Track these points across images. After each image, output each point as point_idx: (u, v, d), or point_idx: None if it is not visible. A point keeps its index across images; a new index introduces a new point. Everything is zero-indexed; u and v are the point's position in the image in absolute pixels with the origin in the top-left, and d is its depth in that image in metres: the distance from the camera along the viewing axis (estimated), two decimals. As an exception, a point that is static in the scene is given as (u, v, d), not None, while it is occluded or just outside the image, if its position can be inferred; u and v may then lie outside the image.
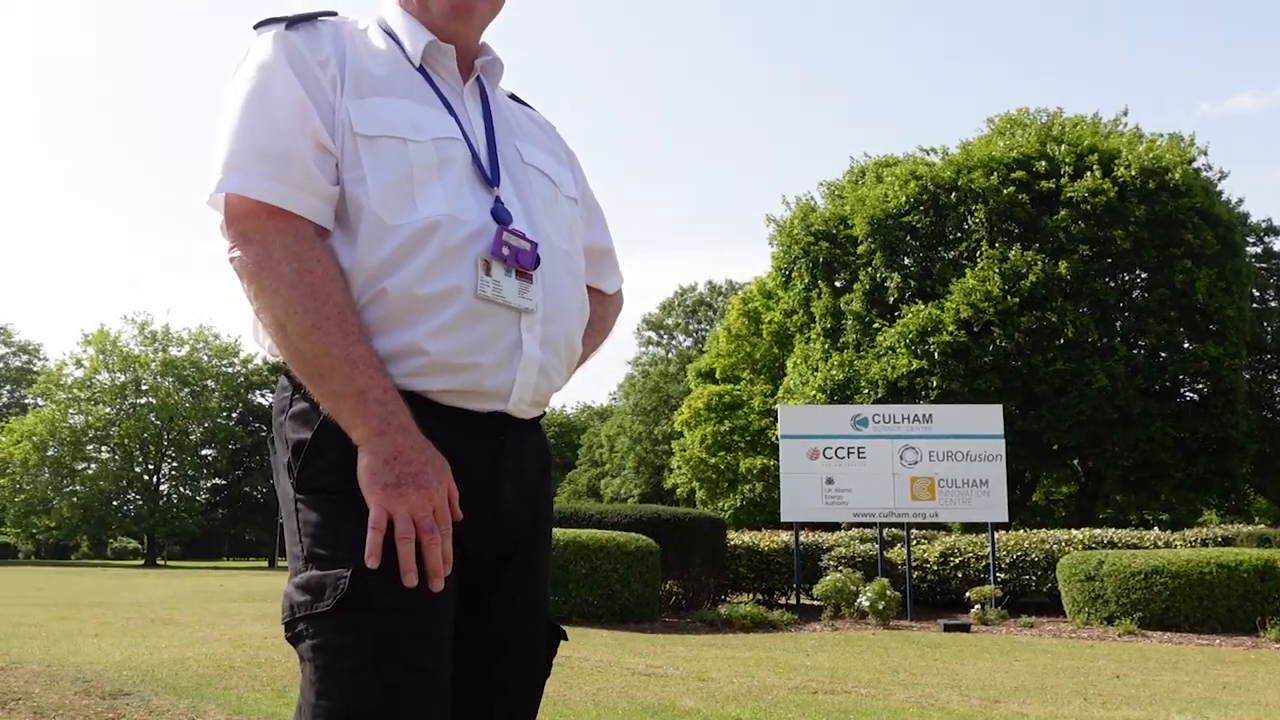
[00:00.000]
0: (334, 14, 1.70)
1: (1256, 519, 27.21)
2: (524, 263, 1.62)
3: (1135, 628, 11.46)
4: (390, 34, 1.73)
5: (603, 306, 2.00)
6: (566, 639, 1.81)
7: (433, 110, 1.65)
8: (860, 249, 24.47)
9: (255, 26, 1.65)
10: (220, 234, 1.58)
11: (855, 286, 24.56)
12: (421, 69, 1.70)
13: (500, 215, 1.62)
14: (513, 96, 1.93)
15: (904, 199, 23.82)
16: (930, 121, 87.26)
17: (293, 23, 1.63)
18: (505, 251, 1.59)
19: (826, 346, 25.25)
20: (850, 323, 24.46)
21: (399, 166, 1.57)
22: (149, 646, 8.38)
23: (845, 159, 28.04)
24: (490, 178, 1.66)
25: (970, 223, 23.54)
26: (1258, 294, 26.97)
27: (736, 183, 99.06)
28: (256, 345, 1.68)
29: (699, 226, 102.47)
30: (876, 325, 23.42)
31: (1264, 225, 28.72)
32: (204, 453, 50.34)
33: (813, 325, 26.16)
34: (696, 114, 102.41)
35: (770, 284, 30.81)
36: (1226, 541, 13.99)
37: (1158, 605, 11.60)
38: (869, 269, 24.32)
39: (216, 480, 52.42)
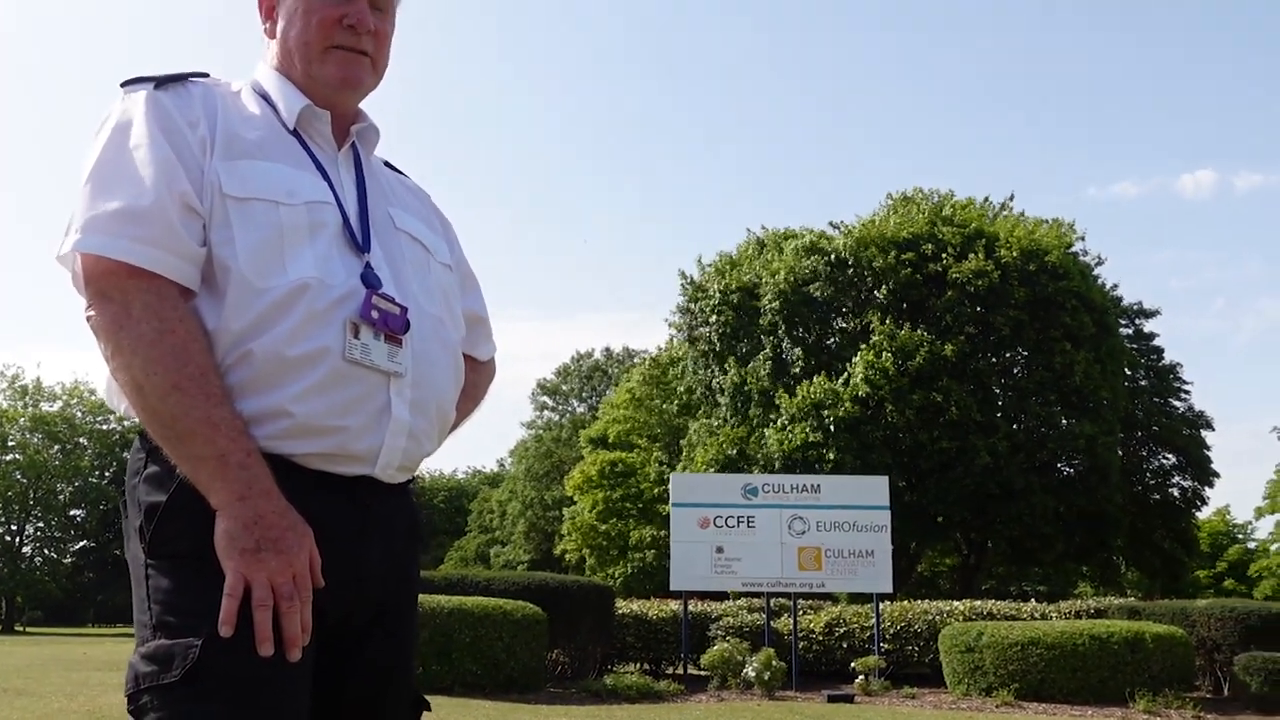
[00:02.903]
0: (205, 75, 1.70)
1: (1128, 591, 28.15)
2: (393, 326, 1.61)
3: (1012, 698, 11.67)
4: (264, 97, 1.73)
5: (475, 374, 2.00)
6: (430, 709, 1.77)
7: (306, 174, 1.65)
8: (764, 320, 24.86)
9: (123, 85, 1.63)
10: (75, 290, 1.55)
11: (760, 356, 24.86)
12: (295, 132, 1.70)
13: (369, 280, 1.62)
14: (388, 164, 1.94)
15: (806, 271, 24.35)
16: (832, 197, 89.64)
17: (162, 83, 1.62)
18: (374, 315, 1.59)
19: (726, 416, 25.47)
20: (755, 396, 24.71)
21: (269, 229, 1.56)
22: (-1, 719, 7.90)
23: (743, 230, 28.69)
24: (361, 243, 1.65)
25: (865, 298, 24.15)
26: (1130, 373, 28.16)
27: (636, 249, 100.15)
28: (112, 407, 1.64)
29: (596, 292, 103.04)
30: (778, 399, 23.73)
31: (1135, 308, 30.10)
32: (73, 513, 48.04)
33: (713, 395, 26.40)
34: (595, 179, 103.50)
35: (676, 350, 31.03)
36: (1099, 614, 14.41)
37: (1034, 676, 11.85)
38: (773, 339, 24.70)
39: (85, 542, 49.99)
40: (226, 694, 1.40)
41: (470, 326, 1.95)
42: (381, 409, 1.59)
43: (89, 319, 1.52)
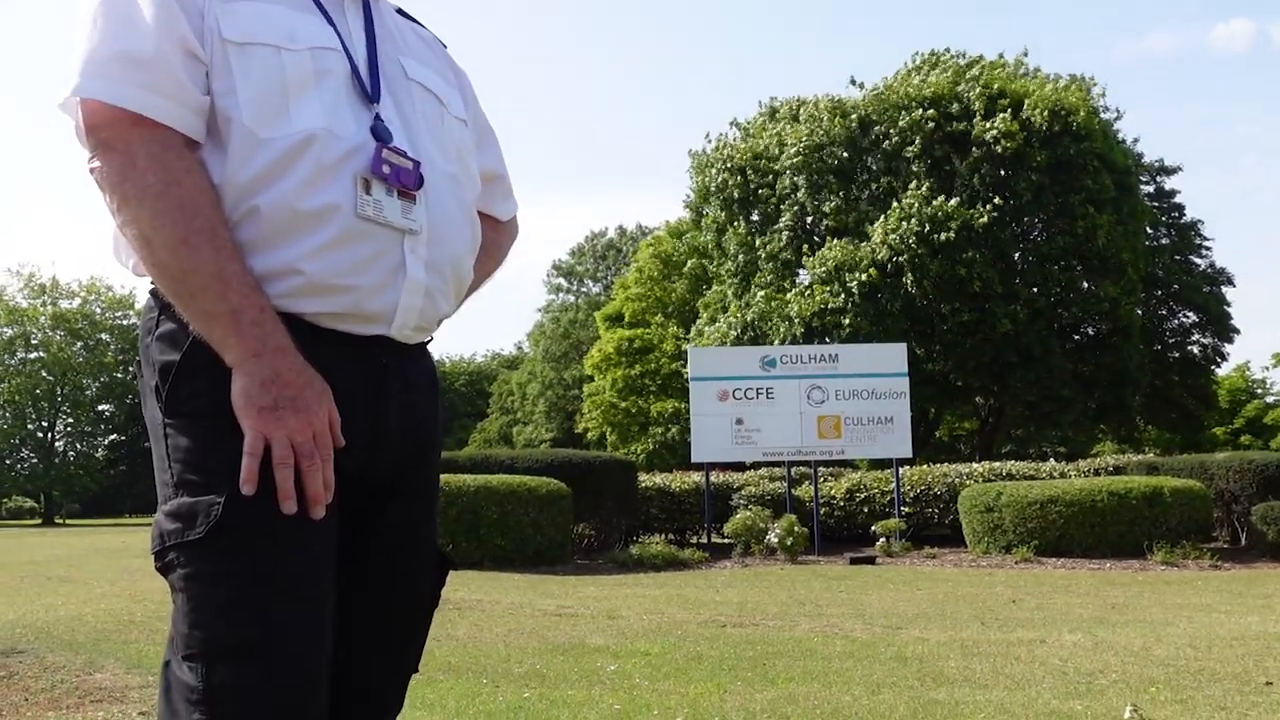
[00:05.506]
0: None
1: (1147, 448, 28.33)
2: (406, 182, 1.54)
3: (1031, 555, 11.88)
4: None
5: (496, 233, 1.93)
6: (456, 568, 1.78)
7: (309, 17, 1.56)
8: (783, 182, 24.51)
9: None
10: (78, 141, 1.48)
11: (780, 222, 24.60)
12: None
13: (380, 132, 1.54)
14: (400, 11, 1.82)
15: (828, 133, 23.89)
16: (845, 64, 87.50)
17: None
18: (385, 170, 1.52)
19: (739, 285, 25.36)
20: (767, 263, 24.55)
21: (272, 77, 1.48)
22: (45, 604, 8.15)
23: (756, 103, 28.18)
24: (370, 93, 1.57)
25: (888, 161, 23.70)
26: (1150, 232, 27.83)
27: (650, 125, 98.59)
28: (119, 264, 1.59)
29: (610, 170, 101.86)
30: (800, 261, 23.55)
31: (1156, 165, 29.55)
32: (101, 408, 48.85)
33: (725, 264, 26.25)
34: (609, 55, 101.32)
35: (683, 226, 30.75)
36: (1118, 471, 14.56)
37: (1053, 533, 12.03)
38: (794, 203, 24.38)
39: (115, 436, 50.93)
40: (251, 549, 1.39)
41: (488, 184, 1.86)
42: (396, 267, 1.54)
43: (92, 170, 1.46)
